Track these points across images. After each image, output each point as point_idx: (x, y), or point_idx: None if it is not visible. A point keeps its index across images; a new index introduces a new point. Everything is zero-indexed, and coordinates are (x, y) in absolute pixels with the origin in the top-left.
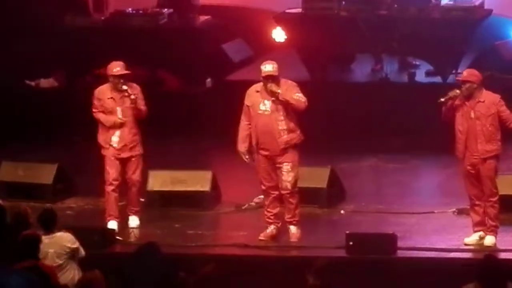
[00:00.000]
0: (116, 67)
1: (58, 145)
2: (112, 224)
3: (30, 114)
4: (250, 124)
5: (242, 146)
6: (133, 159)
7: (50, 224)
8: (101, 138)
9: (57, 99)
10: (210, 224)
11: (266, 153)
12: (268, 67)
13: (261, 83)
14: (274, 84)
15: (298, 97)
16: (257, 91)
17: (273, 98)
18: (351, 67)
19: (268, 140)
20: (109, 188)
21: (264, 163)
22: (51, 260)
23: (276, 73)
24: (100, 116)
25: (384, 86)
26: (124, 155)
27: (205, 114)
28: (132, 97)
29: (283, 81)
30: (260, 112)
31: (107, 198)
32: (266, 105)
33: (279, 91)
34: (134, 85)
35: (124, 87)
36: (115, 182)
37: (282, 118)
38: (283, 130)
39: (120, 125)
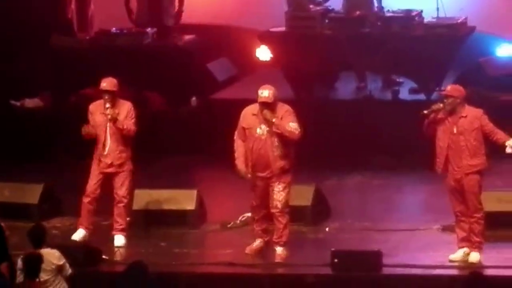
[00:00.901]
0: (103, 82)
1: (45, 165)
2: (80, 232)
3: (16, 134)
4: (245, 143)
5: (241, 164)
6: (120, 174)
7: (39, 240)
8: (95, 151)
9: (43, 119)
10: (196, 243)
11: (261, 175)
12: (265, 93)
13: (258, 106)
14: (269, 111)
15: (291, 128)
16: (254, 114)
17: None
18: (335, 85)
19: (263, 164)
20: (85, 199)
21: (258, 183)
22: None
23: (272, 100)
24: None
25: (368, 104)
26: (110, 170)
27: (190, 133)
28: (108, 116)
29: (279, 106)
30: (256, 135)
31: (81, 208)
32: (262, 130)
33: (273, 120)
34: (126, 103)
35: (107, 104)
36: (92, 195)
37: (277, 143)
38: (278, 155)
39: (96, 137)
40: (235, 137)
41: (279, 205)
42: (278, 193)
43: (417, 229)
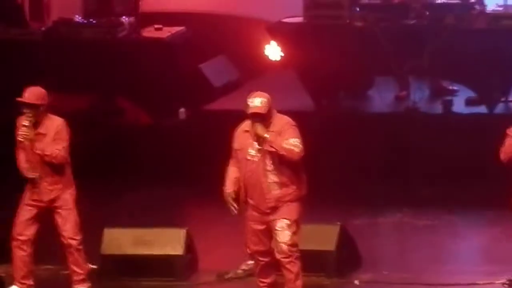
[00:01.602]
0: (26, 93)
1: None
2: None
3: None
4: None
5: (230, 189)
6: (59, 210)
7: None
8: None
9: None
10: None
11: (257, 211)
12: (256, 102)
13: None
14: (261, 125)
15: (290, 146)
16: (246, 131)
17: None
18: (368, 93)
19: (256, 195)
20: (13, 244)
21: (252, 220)
22: None
23: (265, 111)
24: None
25: (411, 118)
26: (43, 204)
27: (177, 154)
28: (19, 137)
29: (277, 118)
30: (248, 157)
31: (12, 256)
32: (254, 150)
33: (266, 135)
34: (57, 120)
35: (25, 122)
36: (21, 238)
37: (271, 167)
38: (273, 183)
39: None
40: (230, 161)
41: (285, 249)
42: (282, 232)
43: (475, 283)
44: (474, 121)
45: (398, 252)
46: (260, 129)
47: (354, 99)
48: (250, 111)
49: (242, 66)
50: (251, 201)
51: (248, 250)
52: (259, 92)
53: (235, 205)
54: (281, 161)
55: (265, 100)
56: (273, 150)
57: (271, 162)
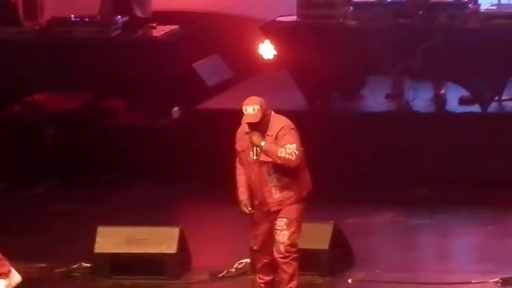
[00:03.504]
0: None
1: None
2: None
3: None
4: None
5: (243, 197)
6: None
7: None
8: None
9: None
10: None
11: (260, 210)
12: (249, 110)
13: None
14: (257, 134)
15: (286, 154)
16: (247, 133)
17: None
18: (361, 93)
19: (259, 196)
20: None
21: (257, 218)
22: None
23: (258, 119)
24: None
25: (404, 117)
26: None
27: (170, 153)
28: None
29: (275, 120)
30: (250, 160)
31: None
32: (254, 153)
33: (262, 143)
34: None
35: None
36: None
37: (271, 171)
38: (274, 187)
39: None
40: (236, 162)
41: (282, 249)
42: (281, 232)
43: (469, 282)
44: (468, 120)
45: (392, 251)
46: (255, 138)
47: (346, 98)
48: (244, 120)
49: (236, 65)
50: (256, 201)
51: (254, 246)
52: (252, 98)
53: (250, 208)
54: (278, 167)
55: (258, 106)
56: (269, 159)
57: (270, 166)
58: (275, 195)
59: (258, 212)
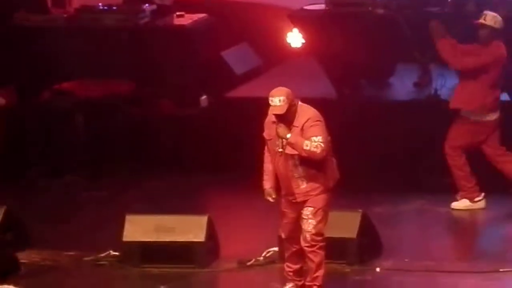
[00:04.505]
0: None
1: (7, 182)
2: None
3: None
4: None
5: (268, 186)
6: None
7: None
8: None
9: (4, 122)
10: (205, 286)
11: (288, 199)
12: (275, 101)
13: None
14: (283, 126)
15: (311, 148)
16: (274, 122)
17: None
18: (390, 81)
19: (286, 186)
20: None
21: (286, 207)
22: None
23: (284, 110)
24: None
25: (432, 106)
26: None
27: (199, 142)
28: None
29: (302, 110)
30: (277, 149)
31: None
32: (281, 143)
33: (288, 135)
34: None
35: None
36: None
37: (297, 162)
38: (300, 178)
39: None
40: (265, 149)
41: (308, 237)
42: (307, 221)
43: (497, 271)
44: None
45: (420, 240)
46: (281, 130)
47: (375, 87)
48: (270, 111)
49: (264, 54)
50: (283, 190)
51: (283, 235)
52: (278, 89)
53: (274, 196)
54: (305, 159)
55: (284, 98)
56: (295, 152)
57: (297, 157)
58: (302, 186)
59: (285, 201)
